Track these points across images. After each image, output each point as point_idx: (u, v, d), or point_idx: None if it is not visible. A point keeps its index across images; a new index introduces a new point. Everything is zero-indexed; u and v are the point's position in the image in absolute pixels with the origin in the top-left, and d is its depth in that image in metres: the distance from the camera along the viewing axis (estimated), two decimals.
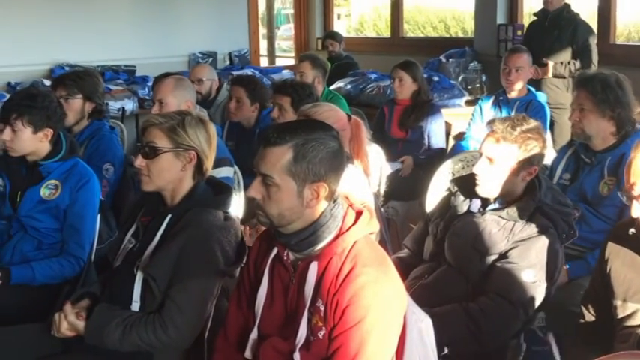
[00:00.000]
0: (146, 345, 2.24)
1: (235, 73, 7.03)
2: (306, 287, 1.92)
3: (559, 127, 5.40)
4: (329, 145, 1.92)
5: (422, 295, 2.46)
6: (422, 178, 4.33)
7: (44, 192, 2.98)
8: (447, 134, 5.28)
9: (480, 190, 2.64)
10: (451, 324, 2.42)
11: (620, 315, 2.16)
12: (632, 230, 2.11)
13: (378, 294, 1.84)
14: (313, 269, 1.92)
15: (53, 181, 3.00)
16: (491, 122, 2.65)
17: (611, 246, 2.23)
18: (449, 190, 2.82)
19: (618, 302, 2.16)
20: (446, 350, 2.33)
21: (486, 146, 2.62)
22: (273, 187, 1.91)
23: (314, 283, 1.91)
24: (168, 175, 2.39)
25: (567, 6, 5.64)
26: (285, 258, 2.00)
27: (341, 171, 1.97)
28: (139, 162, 2.39)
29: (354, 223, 1.95)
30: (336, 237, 1.93)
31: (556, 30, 5.57)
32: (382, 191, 4.15)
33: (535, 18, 5.88)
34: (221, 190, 2.47)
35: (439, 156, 4.76)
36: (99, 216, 3.12)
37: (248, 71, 7.30)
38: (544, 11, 5.71)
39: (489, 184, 2.61)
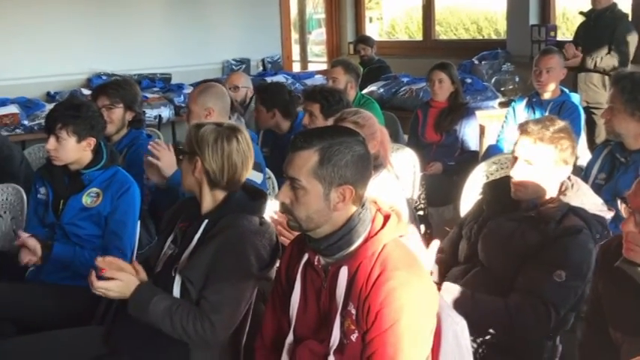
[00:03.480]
0: (181, 332, 2.28)
1: (268, 79, 7.11)
2: (337, 291, 1.96)
3: (598, 128, 5.34)
4: (354, 149, 1.95)
5: None
6: (456, 183, 4.33)
7: (86, 200, 3.06)
8: (481, 136, 5.28)
9: (518, 193, 2.64)
10: (490, 312, 2.46)
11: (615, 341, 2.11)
12: (617, 263, 2.01)
13: (409, 296, 1.87)
14: (344, 273, 1.95)
15: (95, 189, 3.08)
16: (524, 124, 2.65)
17: (601, 263, 2.18)
18: (482, 193, 2.83)
19: (610, 329, 2.12)
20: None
21: (523, 148, 2.60)
22: (301, 190, 1.95)
23: (345, 287, 1.95)
24: (185, 177, 2.50)
25: (614, 5, 5.55)
26: (316, 263, 2.04)
27: (368, 175, 2.00)
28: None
29: (383, 227, 1.98)
30: (365, 241, 1.96)
31: (598, 29, 5.52)
32: (416, 195, 4.17)
33: (584, 18, 5.83)
34: (256, 196, 2.52)
35: (472, 159, 4.75)
36: (139, 222, 3.20)
37: (281, 77, 7.37)
38: (592, 10, 5.66)
39: (527, 186, 2.61)
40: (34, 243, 2.91)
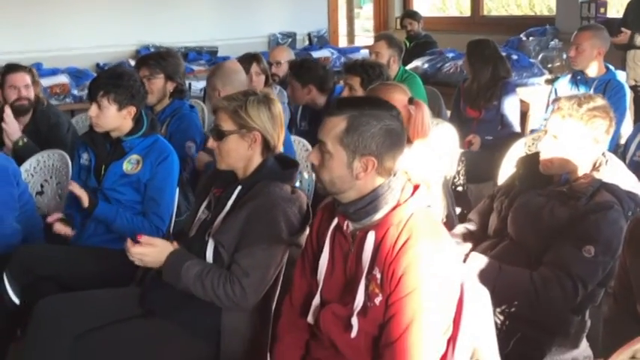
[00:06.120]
0: (212, 295, 2.36)
1: (313, 53, 7.12)
2: (364, 256, 2.00)
3: None
4: (384, 122, 1.98)
5: None
6: (497, 159, 4.29)
7: (126, 166, 3.15)
8: (525, 113, 5.20)
9: (544, 167, 2.63)
10: (516, 284, 2.47)
11: None
12: None
13: (431, 265, 1.90)
14: (371, 238, 1.99)
15: (135, 156, 3.16)
16: (557, 100, 2.64)
17: (629, 239, 2.12)
18: (516, 167, 2.83)
19: (638, 305, 2.07)
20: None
21: (552, 123, 2.60)
22: (327, 154, 2.00)
23: (371, 251, 1.99)
24: (236, 154, 2.51)
25: None
26: (344, 228, 2.08)
27: (397, 150, 2.01)
28: (211, 143, 2.55)
29: (411, 196, 2.01)
30: (394, 208, 2.00)
31: None
32: (454, 171, 4.15)
33: None
34: (289, 165, 2.57)
35: (513, 137, 4.69)
36: (177, 190, 3.28)
37: (326, 51, 7.38)
38: None
39: (553, 161, 2.60)
40: (81, 191, 3.05)
